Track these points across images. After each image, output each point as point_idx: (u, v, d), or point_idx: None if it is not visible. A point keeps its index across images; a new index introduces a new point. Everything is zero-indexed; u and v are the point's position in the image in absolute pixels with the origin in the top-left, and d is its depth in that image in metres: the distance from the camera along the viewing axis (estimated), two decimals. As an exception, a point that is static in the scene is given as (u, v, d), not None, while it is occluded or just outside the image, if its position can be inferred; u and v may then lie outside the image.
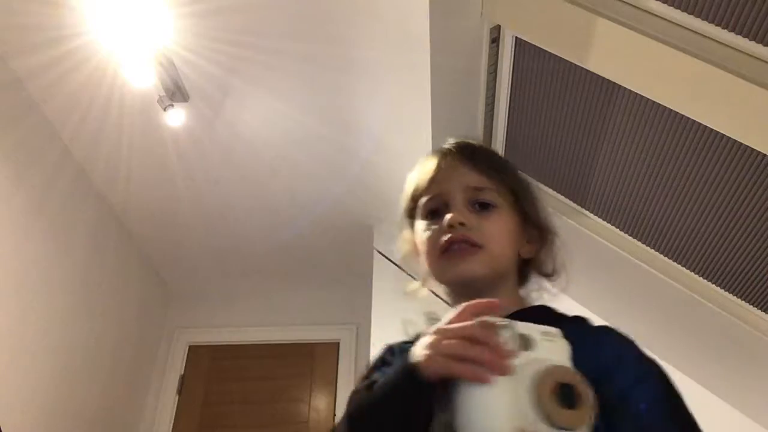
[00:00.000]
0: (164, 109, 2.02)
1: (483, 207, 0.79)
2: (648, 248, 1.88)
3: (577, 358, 0.63)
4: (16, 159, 2.12)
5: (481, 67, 1.81)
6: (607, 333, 0.74)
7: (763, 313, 1.71)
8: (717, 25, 1.26)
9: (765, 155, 1.40)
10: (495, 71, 1.83)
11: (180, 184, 2.50)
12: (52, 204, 2.32)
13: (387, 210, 2.49)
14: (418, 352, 0.58)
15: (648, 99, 1.48)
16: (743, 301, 1.74)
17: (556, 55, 1.56)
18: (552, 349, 0.56)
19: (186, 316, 3.26)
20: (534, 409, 0.52)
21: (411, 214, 0.86)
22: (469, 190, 0.79)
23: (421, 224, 0.82)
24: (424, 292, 0.88)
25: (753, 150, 1.41)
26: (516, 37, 1.68)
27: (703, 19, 1.27)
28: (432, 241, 0.78)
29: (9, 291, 2.07)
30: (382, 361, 0.78)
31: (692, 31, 1.30)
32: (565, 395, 0.53)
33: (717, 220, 1.63)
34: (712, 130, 1.43)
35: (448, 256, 0.76)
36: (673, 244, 1.80)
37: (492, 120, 1.99)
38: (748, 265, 1.66)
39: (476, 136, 2.05)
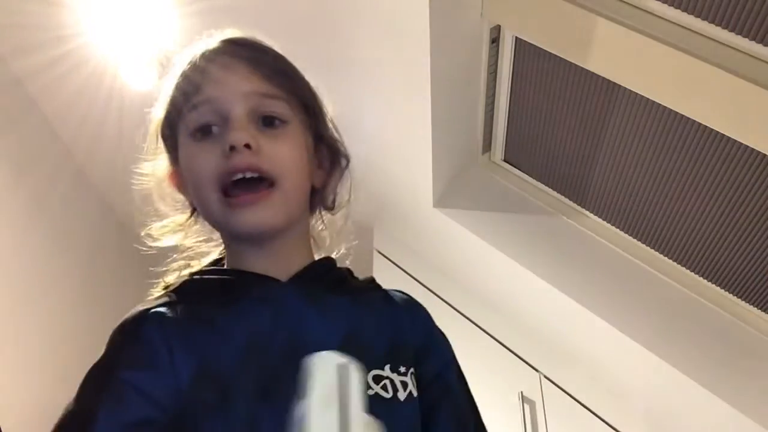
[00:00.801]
0: (164, 109, 2.02)
1: (268, 123, 0.62)
2: (648, 248, 1.88)
3: (400, 331, 0.64)
4: (16, 159, 2.12)
5: (481, 67, 1.81)
6: (417, 308, 0.70)
7: (763, 313, 1.71)
8: (717, 25, 1.26)
9: (765, 155, 1.40)
10: (495, 71, 1.82)
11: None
12: (52, 204, 2.32)
13: (387, 210, 2.49)
14: None
15: (648, 99, 1.48)
16: (743, 301, 1.74)
17: (556, 55, 1.56)
18: None
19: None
20: None
21: (168, 135, 0.67)
22: (253, 97, 0.61)
23: (188, 146, 0.62)
24: (191, 231, 0.71)
25: (753, 150, 1.41)
26: (516, 37, 1.68)
27: (703, 19, 1.27)
28: (208, 170, 0.59)
29: (9, 290, 2.07)
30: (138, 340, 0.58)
31: (692, 31, 1.30)
32: None
33: (717, 220, 1.63)
34: (712, 130, 1.43)
35: (233, 204, 0.59)
36: (673, 244, 1.80)
37: (492, 120, 1.99)
38: (748, 265, 1.66)
39: (476, 135, 2.05)
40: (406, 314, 0.68)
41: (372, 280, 0.72)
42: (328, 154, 0.70)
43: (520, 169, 2.07)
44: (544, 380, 1.96)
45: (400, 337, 0.64)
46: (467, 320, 2.12)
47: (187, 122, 0.62)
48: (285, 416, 0.49)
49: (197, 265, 0.69)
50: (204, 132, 0.61)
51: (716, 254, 1.71)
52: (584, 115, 1.69)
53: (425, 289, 2.18)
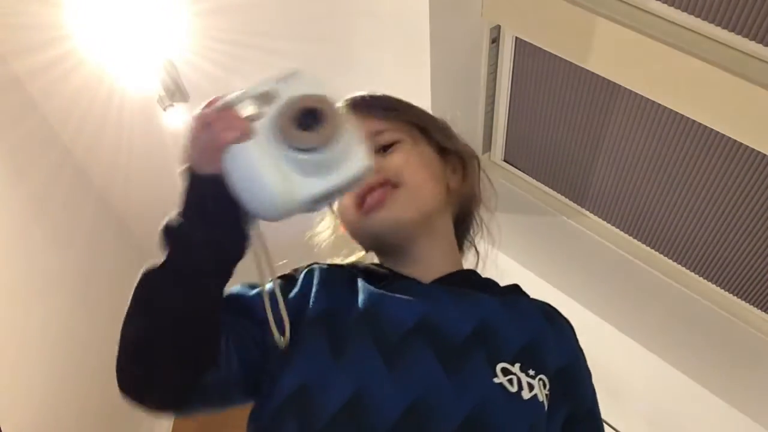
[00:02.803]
0: (164, 109, 2.02)
1: (386, 149, 0.71)
2: (648, 248, 1.88)
3: (543, 339, 0.68)
4: (16, 159, 2.12)
5: (481, 67, 1.81)
6: (565, 321, 0.77)
7: (763, 313, 1.71)
8: (717, 25, 1.26)
9: (765, 155, 1.40)
10: (495, 71, 1.83)
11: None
12: (52, 204, 2.32)
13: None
14: (181, 156, 0.58)
15: (648, 99, 1.48)
16: (743, 301, 1.74)
17: (556, 55, 1.56)
18: (296, 87, 0.56)
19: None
20: (277, 143, 0.53)
21: None
22: (371, 136, 0.71)
23: None
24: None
25: (753, 150, 1.41)
26: (516, 37, 1.68)
27: (703, 19, 1.27)
28: (347, 203, 0.70)
29: (9, 291, 2.07)
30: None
31: (692, 31, 1.30)
32: (308, 119, 0.53)
33: (717, 220, 1.63)
34: (712, 130, 1.43)
35: (366, 210, 0.68)
36: (673, 244, 1.80)
37: (492, 120, 1.99)
38: (748, 265, 1.66)
39: (476, 135, 2.05)
40: (552, 325, 0.73)
41: (517, 287, 0.78)
42: (457, 159, 0.78)
43: (520, 169, 2.07)
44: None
45: (539, 344, 0.67)
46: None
47: None
48: (406, 378, 0.56)
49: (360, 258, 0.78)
50: None
51: (716, 254, 1.71)
52: (584, 115, 1.69)
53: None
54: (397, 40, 1.63)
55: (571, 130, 1.76)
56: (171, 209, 0.60)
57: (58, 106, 2.19)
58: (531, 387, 0.62)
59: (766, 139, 1.29)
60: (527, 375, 0.62)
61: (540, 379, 0.64)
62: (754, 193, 1.50)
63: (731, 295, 1.76)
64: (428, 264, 0.71)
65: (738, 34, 1.24)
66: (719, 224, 1.63)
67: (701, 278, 1.80)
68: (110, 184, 2.51)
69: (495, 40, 1.74)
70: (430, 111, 1.90)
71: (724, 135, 1.39)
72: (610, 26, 1.36)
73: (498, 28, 1.71)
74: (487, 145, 2.09)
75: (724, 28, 1.25)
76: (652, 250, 1.87)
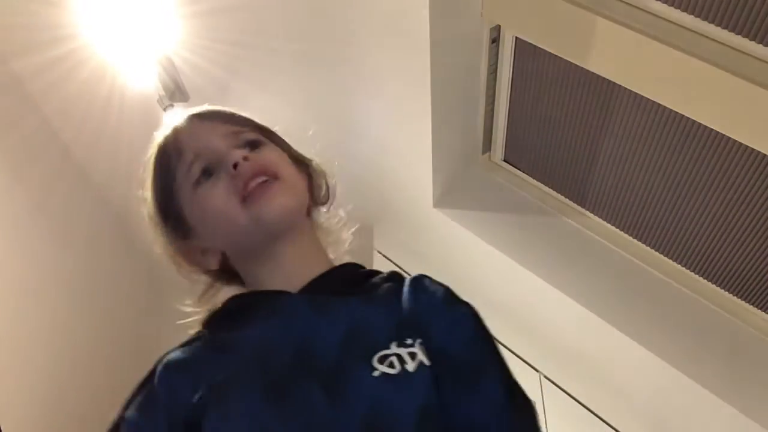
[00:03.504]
0: (164, 109, 2.02)
1: (253, 146, 0.71)
2: (648, 248, 1.88)
3: (404, 307, 0.66)
4: (16, 159, 2.12)
5: (481, 67, 1.81)
6: (424, 283, 0.72)
7: (763, 313, 1.71)
8: (717, 25, 1.26)
9: (765, 155, 1.40)
10: (495, 71, 1.82)
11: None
12: (52, 204, 2.32)
13: (387, 210, 2.49)
14: None
15: (648, 99, 1.48)
16: (743, 301, 1.74)
17: (556, 55, 1.56)
18: None
19: (186, 316, 3.25)
20: None
21: (168, 209, 0.73)
22: (230, 135, 0.71)
23: (196, 194, 0.69)
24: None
25: (753, 150, 1.41)
26: (516, 37, 1.68)
27: (703, 19, 1.27)
28: (224, 195, 0.67)
29: (9, 290, 2.07)
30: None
31: (692, 31, 1.30)
32: None
33: (717, 220, 1.63)
34: (712, 130, 1.43)
35: (253, 199, 0.66)
36: (674, 244, 1.80)
37: (492, 120, 1.99)
38: (748, 265, 1.66)
39: (476, 135, 2.05)
40: (410, 289, 0.69)
41: (393, 274, 0.74)
42: (300, 163, 0.79)
43: (520, 169, 2.07)
44: (544, 380, 1.96)
45: (404, 314, 0.66)
46: (467, 320, 2.12)
47: (188, 180, 0.69)
48: (291, 419, 0.54)
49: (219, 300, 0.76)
50: (206, 175, 0.69)
51: (716, 254, 1.71)
52: (584, 115, 1.69)
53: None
54: (397, 40, 1.62)
55: (571, 130, 1.76)
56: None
57: (58, 106, 2.19)
58: (413, 355, 0.61)
59: (766, 139, 1.29)
60: (405, 346, 0.61)
61: (419, 342, 0.62)
62: (754, 193, 1.50)
63: (731, 295, 1.76)
64: (295, 267, 0.70)
65: (738, 34, 1.24)
66: (719, 224, 1.63)
67: (701, 278, 1.80)
68: (110, 184, 2.51)
69: (495, 40, 1.74)
70: (430, 111, 1.90)
71: (724, 135, 1.39)
72: (610, 26, 1.36)
73: (498, 28, 1.70)
74: (487, 145, 2.09)
75: (724, 28, 1.25)
76: (652, 250, 1.87)
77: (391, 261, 2.34)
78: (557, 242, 1.96)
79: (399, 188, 2.23)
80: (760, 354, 1.70)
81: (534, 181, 2.05)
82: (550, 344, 2.05)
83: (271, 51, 1.90)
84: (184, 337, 0.69)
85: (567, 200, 1.99)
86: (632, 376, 1.88)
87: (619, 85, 1.51)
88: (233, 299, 0.72)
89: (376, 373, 0.58)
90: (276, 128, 0.81)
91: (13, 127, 2.11)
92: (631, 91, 1.50)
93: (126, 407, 0.63)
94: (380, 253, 2.39)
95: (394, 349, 0.61)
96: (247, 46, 1.89)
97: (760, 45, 1.23)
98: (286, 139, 0.82)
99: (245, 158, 0.68)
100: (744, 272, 1.68)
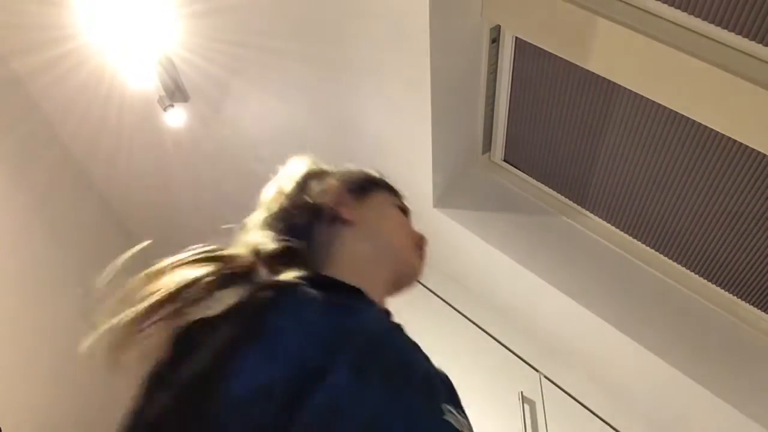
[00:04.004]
0: (164, 109, 2.02)
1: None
2: (648, 248, 1.88)
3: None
4: (16, 159, 2.12)
5: (481, 67, 1.81)
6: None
7: (763, 313, 1.71)
8: (717, 25, 1.26)
9: (765, 155, 1.40)
10: (495, 71, 1.82)
11: (180, 183, 2.49)
12: (52, 204, 2.32)
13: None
14: None
15: (648, 99, 1.48)
16: (743, 301, 1.74)
17: (556, 55, 1.56)
18: None
19: (186, 316, 3.26)
20: None
21: (371, 187, 0.91)
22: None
23: (398, 212, 0.90)
24: None
25: (753, 150, 1.41)
26: (516, 37, 1.68)
27: (703, 19, 1.27)
28: (409, 235, 0.88)
29: (9, 291, 2.07)
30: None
31: (692, 31, 1.30)
32: None
33: (717, 220, 1.63)
34: (712, 130, 1.43)
35: (422, 255, 0.87)
36: (673, 244, 1.80)
37: (492, 120, 1.99)
38: (748, 265, 1.66)
39: (476, 135, 2.05)
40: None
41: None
42: None
43: (520, 169, 2.07)
44: (544, 380, 1.96)
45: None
46: (467, 320, 2.12)
47: (396, 200, 0.92)
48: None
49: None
50: (403, 212, 0.92)
51: (716, 254, 1.71)
52: (584, 115, 1.69)
53: (425, 289, 2.19)
54: (397, 40, 1.62)
55: (571, 130, 1.76)
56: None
57: (58, 106, 2.19)
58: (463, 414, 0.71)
59: (766, 139, 1.30)
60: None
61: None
62: (754, 193, 1.50)
63: (731, 295, 1.76)
64: (383, 298, 0.82)
65: (738, 34, 1.24)
66: (719, 224, 1.63)
67: (701, 278, 1.80)
68: (110, 184, 2.51)
69: (495, 40, 1.74)
70: (430, 111, 1.90)
71: (724, 135, 1.39)
72: (610, 26, 1.36)
73: (498, 28, 1.70)
74: (487, 145, 2.09)
75: (724, 28, 1.25)
76: (652, 250, 1.87)
77: (391, 261, 2.33)
78: (557, 242, 1.96)
79: (399, 188, 2.23)
80: (760, 354, 1.70)
81: (534, 181, 2.05)
82: (550, 344, 2.05)
83: (271, 51, 1.90)
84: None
85: (567, 200, 1.99)
86: (632, 376, 1.88)
87: (619, 85, 1.51)
88: (341, 282, 0.72)
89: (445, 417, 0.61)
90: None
91: (13, 127, 2.11)
92: (631, 91, 1.50)
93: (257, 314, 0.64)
94: (380, 253, 2.38)
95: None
96: (247, 46, 1.89)
97: (760, 45, 1.23)
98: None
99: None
100: (744, 272, 1.68)
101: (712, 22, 1.26)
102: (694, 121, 1.44)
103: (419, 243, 0.88)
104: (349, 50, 1.78)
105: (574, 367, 2.01)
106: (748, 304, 1.74)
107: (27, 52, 1.98)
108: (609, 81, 1.53)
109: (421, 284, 2.18)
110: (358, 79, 1.85)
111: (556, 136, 1.83)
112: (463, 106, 1.90)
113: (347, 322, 0.59)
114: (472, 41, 1.71)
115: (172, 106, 2.04)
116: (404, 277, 0.85)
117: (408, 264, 0.85)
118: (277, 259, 0.76)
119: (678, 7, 1.29)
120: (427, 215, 2.11)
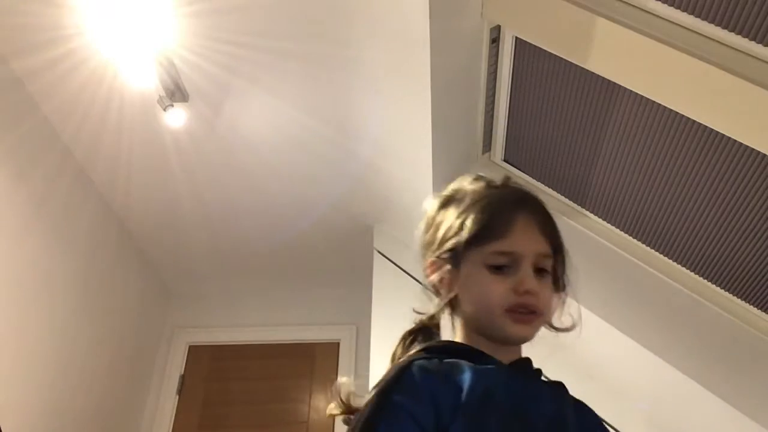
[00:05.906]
0: (164, 109, 2.02)
1: (539, 273, 0.81)
2: (648, 248, 1.88)
3: (581, 423, 0.80)
4: (16, 159, 2.12)
5: (481, 67, 1.81)
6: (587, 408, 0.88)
7: (763, 313, 1.71)
8: (717, 25, 1.26)
9: (765, 155, 1.40)
10: (495, 71, 1.83)
11: (180, 184, 2.49)
12: (52, 204, 2.32)
13: (387, 210, 2.49)
14: None
15: (648, 99, 1.48)
16: (743, 301, 1.74)
17: (556, 55, 1.56)
18: None
19: (186, 316, 3.25)
20: None
21: (463, 249, 0.82)
22: (539, 257, 0.81)
23: (482, 273, 0.81)
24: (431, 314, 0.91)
25: (753, 150, 1.41)
26: (516, 37, 1.68)
27: (703, 19, 1.27)
28: (498, 296, 0.79)
29: (9, 291, 2.07)
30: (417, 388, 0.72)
31: (692, 31, 1.30)
32: None
33: (717, 220, 1.63)
34: (712, 130, 1.43)
35: (512, 317, 0.79)
36: (673, 244, 1.80)
37: (492, 120, 1.99)
38: (748, 265, 1.66)
39: (476, 135, 2.05)
40: (578, 405, 0.86)
41: (559, 383, 0.90)
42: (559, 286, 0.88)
43: (520, 169, 2.07)
44: (543, 380, 1.96)
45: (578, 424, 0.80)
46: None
47: (486, 255, 0.80)
48: None
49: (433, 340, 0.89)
50: (498, 268, 0.80)
51: (716, 254, 1.71)
52: (584, 115, 1.69)
53: (425, 289, 2.18)
54: (397, 40, 1.63)
55: (571, 130, 1.76)
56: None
57: (58, 106, 2.19)
58: None
59: (766, 139, 1.30)
60: None
61: None
62: (754, 193, 1.50)
63: (731, 295, 1.76)
64: (509, 353, 0.82)
65: (738, 34, 1.24)
66: (719, 224, 1.63)
67: (701, 278, 1.80)
68: (110, 184, 2.51)
69: (495, 40, 1.74)
70: (430, 111, 1.90)
71: (724, 135, 1.39)
72: (610, 26, 1.36)
73: (498, 28, 1.71)
74: (487, 145, 2.09)
75: (724, 28, 1.25)
76: (653, 251, 1.87)
77: (391, 261, 2.33)
78: (557, 242, 1.96)
79: (399, 188, 2.23)
80: (760, 354, 1.70)
81: (534, 181, 2.05)
82: (549, 344, 2.05)
83: (271, 51, 1.90)
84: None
85: (567, 200, 1.99)
86: (632, 375, 1.88)
87: (619, 85, 1.51)
88: (455, 343, 0.85)
89: None
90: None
91: (13, 127, 2.11)
92: (631, 91, 1.50)
93: (384, 394, 0.71)
94: (380, 252, 2.39)
95: None
96: (247, 46, 1.89)
97: (760, 45, 1.23)
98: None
99: (533, 293, 0.79)
100: (744, 272, 1.68)
101: (712, 22, 1.26)
102: (694, 121, 1.44)
103: (512, 304, 0.79)
104: (349, 50, 1.78)
105: (574, 367, 2.01)
106: (748, 304, 1.74)
107: (27, 52, 1.98)
108: (609, 81, 1.53)
109: (421, 284, 2.18)
110: (358, 79, 1.85)
111: (556, 136, 1.83)
112: (463, 106, 1.90)
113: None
114: (472, 41, 1.71)
115: (172, 106, 2.04)
116: (501, 340, 0.82)
117: (496, 328, 0.80)
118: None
119: (678, 7, 1.29)
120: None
